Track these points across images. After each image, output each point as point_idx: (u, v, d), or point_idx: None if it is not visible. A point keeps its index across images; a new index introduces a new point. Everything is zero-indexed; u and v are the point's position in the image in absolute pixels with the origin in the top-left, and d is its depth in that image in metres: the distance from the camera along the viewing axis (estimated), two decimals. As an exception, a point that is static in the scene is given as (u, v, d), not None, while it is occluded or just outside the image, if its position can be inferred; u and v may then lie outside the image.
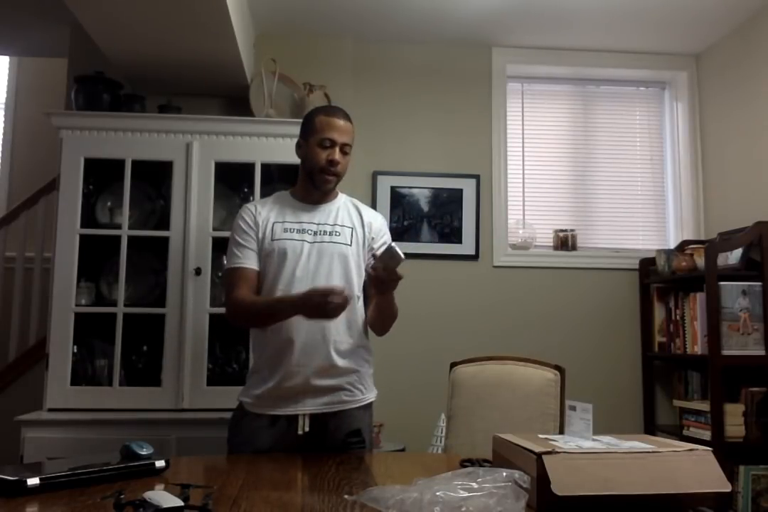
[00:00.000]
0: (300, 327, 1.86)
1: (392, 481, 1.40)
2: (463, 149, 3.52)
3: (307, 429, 1.89)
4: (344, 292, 1.72)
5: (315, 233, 1.96)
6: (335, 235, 1.97)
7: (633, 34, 3.43)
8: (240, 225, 1.99)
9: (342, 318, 1.88)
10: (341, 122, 1.96)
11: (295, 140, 2.06)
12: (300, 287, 1.86)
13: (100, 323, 2.77)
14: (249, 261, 1.94)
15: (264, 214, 1.99)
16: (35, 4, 3.05)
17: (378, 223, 2.06)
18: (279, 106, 3.04)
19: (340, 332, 1.91)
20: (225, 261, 2.09)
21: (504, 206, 3.52)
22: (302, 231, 1.95)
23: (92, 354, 2.84)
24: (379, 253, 1.89)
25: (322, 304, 1.70)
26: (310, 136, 1.97)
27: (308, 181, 2.00)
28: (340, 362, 1.90)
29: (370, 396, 2.00)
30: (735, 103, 3.35)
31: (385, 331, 2.03)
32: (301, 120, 2.07)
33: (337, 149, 1.94)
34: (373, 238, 2.03)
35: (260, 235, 1.96)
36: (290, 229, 1.96)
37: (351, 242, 1.98)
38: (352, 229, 2.00)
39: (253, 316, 1.93)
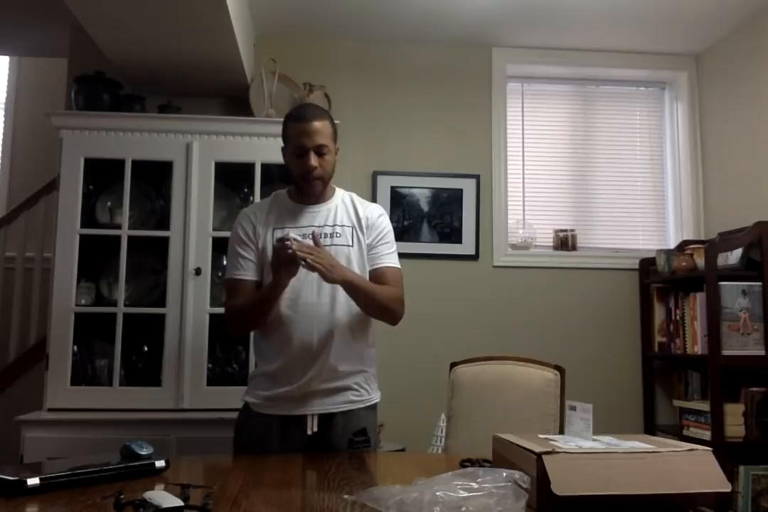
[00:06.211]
0: (304, 334, 1.86)
1: (392, 481, 1.39)
2: (463, 149, 3.52)
3: (315, 429, 1.88)
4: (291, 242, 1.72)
5: None
6: (336, 236, 1.94)
7: (633, 34, 3.43)
8: (239, 234, 1.96)
9: (344, 322, 1.89)
10: (310, 125, 1.86)
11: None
12: (306, 294, 1.87)
13: (100, 323, 2.77)
14: (248, 272, 1.93)
15: (263, 220, 1.96)
16: (35, 4, 3.05)
17: (374, 217, 2.01)
18: (279, 106, 3.04)
19: (343, 335, 1.90)
20: (225, 268, 2.04)
21: (504, 206, 3.52)
22: (303, 236, 1.89)
23: (92, 354, 2.84)
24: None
25: (282, 252, 1.73)
26: (286, 144, 1.94)
27: (298, 185, 1.98)
28: (342, 366, 1.89)
29: (375, 396, 2.00)
30: (735, 103, 3.35)
31: (377, 314, 1.96)
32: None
33: (311, 154, 1.87)
34: (371, 236, 1.99)
35: (260, 245, 1.93)
36: None
37: (352, 242, 1.95)
38: (352, 227, 1.97)
39: (249, 314, 1.90)
